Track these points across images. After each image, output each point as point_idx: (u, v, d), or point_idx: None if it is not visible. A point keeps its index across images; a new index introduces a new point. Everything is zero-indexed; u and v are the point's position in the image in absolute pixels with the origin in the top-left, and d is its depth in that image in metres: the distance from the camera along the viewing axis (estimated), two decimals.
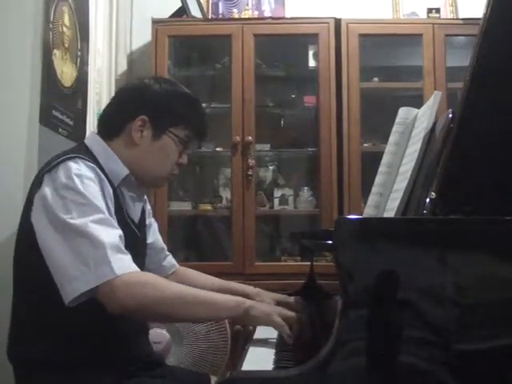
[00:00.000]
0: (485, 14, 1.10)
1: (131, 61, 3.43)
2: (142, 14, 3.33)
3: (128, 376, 1.42)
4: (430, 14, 3.25)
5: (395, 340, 1.00)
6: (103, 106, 2.97)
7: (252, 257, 3.03)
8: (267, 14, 3.40)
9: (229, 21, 3.28)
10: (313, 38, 3.14)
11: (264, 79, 3.20)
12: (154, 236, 1.75)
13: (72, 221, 1.28)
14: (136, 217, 1.55)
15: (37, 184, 1.37)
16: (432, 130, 1.33)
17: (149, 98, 1.51)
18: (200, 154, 3.21)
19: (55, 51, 2.40)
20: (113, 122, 1.52)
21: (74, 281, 1.24)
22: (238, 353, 1.85)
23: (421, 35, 3.07)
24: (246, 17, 3.34)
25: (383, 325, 1.01)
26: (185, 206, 3.21)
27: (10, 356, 1.43)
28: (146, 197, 1.65)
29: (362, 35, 3.08)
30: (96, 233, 1.27)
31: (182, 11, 3.20)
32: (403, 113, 1.54)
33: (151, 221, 1.74)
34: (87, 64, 2.83)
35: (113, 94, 3.10)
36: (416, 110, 1.52)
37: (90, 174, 1.36)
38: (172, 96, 1.53)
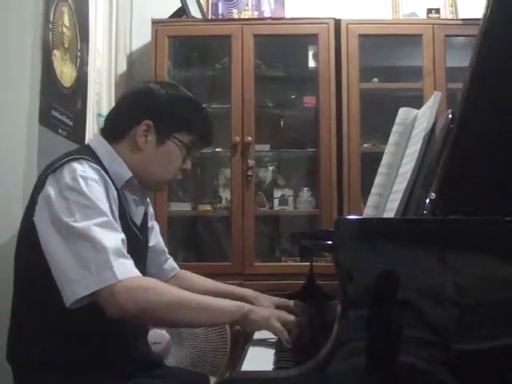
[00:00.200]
0: (484, 15, 1.10)
1: (131, 61, 3.43)
2: (142, 14, 3.33)
3: (127, 376, 1.42)
4: (429, 15, 3.25)
5: (395, 340, 1.00)
6: (103, 107, 3.01)
7: (251, 257, 3.03)
8: (267, 14, 3.40)
9: (228, 21, 3.28)
10: (312, 38, 3.14)
11: (264, 80, 3.20)
12: (156, 239, 1.75)
13: (75, 224, 1.27)
14: (138, 220, 1.55)
15: (41, 184, 1.37)
16: (432, 130, 1.33)
17: (154, 103, 1.50)
18: (200, 155, 3.20)
19: (55, 51, 2.39)
20: (118, 126, 1.52)
21: (74, 284, 1.24)
22: (238, 353, 1.85)
23: (420, 35, 3.07)
24: (246, 17, 3.33)
25: (383, 325, 1.01)
26: (184, 207, 3.21)
27: (10, 357, 1.43)
28: (148, 199, 1.65)
29: (361, 35, 3.08)
30: (99, 236, 1.26)
31: (182, 11, 3.20)
32: (403, 113, 1.54)
33: (153, 223, 1.74)
34: (87, 64, 2.83)
35: (113, 94, 3.13)
36: (416, 111, 1.52)
37: (95, 176, 1.36)
38: (177, 101, 1.53)
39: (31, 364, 1.39)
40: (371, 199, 1.53)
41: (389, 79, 3.27)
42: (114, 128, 1.52)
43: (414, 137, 1.42)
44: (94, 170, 1.37)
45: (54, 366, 1.36)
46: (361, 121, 3.05)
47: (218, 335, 2.39)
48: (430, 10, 3.26)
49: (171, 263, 1.80)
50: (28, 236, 1.37)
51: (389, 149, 1.53)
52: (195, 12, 3.23)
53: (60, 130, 2.44)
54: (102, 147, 1.49)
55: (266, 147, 3.25)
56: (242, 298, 1.52)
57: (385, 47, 3.27)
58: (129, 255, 1.30)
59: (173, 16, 3.24)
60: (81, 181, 1.32)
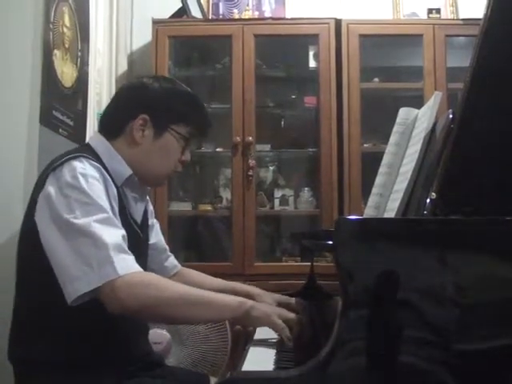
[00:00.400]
0: (485, 15, 1.10)
1: (131, 61, 3.43)
2: (143, 14, 3.33)
3: (128, 376, 1.43)
4: (430, 15, 3.25)
5: (395, 340, 1.00)
6: (103, 107, 2.98)
7: (252, 257, 3.03)
8: (267, 14, 3.40)
9: (229, 21, 3.28)
10: (313, 38, 3.14)
11: (264, 80, 3.21)
12: (157, 236, 1.75)
13: (75, 220, 1.28)
14: (138, 217, 1.56)
15: (41, 183, 1.37)
16: (432, 130, 1.33)
17: (148, 96, 1.51)
18: (200, 155, 3.21)
19: (55, 51, 2.40)
20: (114, 122, 1.52)
21: (76, 281, 1.24)
22: (239, 353, 1.85)
23: (421, 35, 3.07)
24: (247, 17, 3.33)
25: (383, 325, 1.01)
26: (185, 207, 3.21)
27: (11, 356, 1.43)
28: (147, 197, 1.65)
29: (362, 36, 3.08)
30: (99, 232, 1.26)
31: (183, 11, 3.20)
32: (403, 113, 1.54)
33: (153, 221, 1.74)
34: (87, 64, 2.83)
35: (113, 94, 3.12)
36: (416, 111, 1.51)
37: (95, 174, 1.36)
38: (171, 94, 1.53)
39: (32, 363, 1.39)
40: (372, 199, 1.53)
41: (389, 79, 3.27)
42: (110, 125, 1.53)
43: (415, 137, 1.42)
44: (94, 167, 1.38)
45: (55, 366, 1.37)
46: (361, 121, 3.05)
47: (219, 335, 2.39)
48: (430, 10, 3.26)
49: (172, 261, 1.80)
50: (29, 235, 1.37)
51: (389, 149, 1.53)
52: (196, 12, 3.23)
53: (61, 130, 2.44)
54: (101, 145, 1.49)
55: (267, 147, 3.25)
56: (245, 295, 1.52)
57: (385, 47, 3.27)
58: (129, 251, 1.30)
59: (173, 16, 3.24)
60: (81, 178, 1.33)
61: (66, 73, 2.52)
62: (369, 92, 3.13)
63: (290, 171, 3.39)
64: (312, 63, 3.24)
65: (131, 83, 1.59)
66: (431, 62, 3.05)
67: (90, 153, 1.43)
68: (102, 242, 1.25)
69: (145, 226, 1.61)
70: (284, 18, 3.28)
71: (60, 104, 2.43)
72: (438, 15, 3.25)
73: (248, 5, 3.42)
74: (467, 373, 1.00)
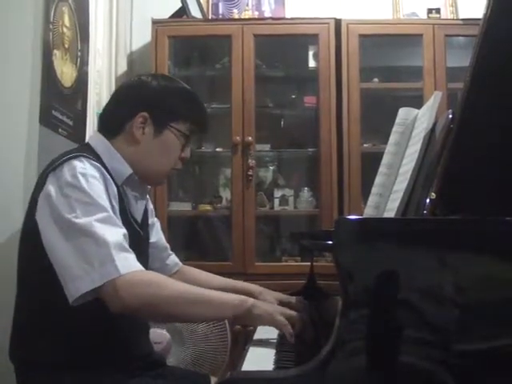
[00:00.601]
0: (485, 15, 1.10)
1: (131, 61, 3.43)
2: (142, 14, 3.33)
3: (129, 376, 1.43)
4: (430, 15, 3.25)
5: (395, 340, 1.00)
6: (103, 107, 3.00)
7: (252, 257, 3.03)
8: (267, 14, 3.40)
9: (229, 21, 3.28)
10: (313, 38, 3.14)
11: (264, 79, 3.21)
12: (157, 235, 1.75)
13: (76, 220, 1.27)
14: (139, 216, 1.56)
15: (41, 183, 1.37)
16: (432, 130, 1.33)
17: (148, 94, 1.51)
18: (200, 154, 3.21)
19: (55, 51, 2.40)
20: (113, 121, 1.52)
21: (78, 280, 1.24)
22: (238, 353, 1.85)
23: (421, 35, 3.07)
24: (246, 17, 3.33)
25: (383, 325, 1.01)
26: (185, 207, 3.21)
27: (12, 355, 1.44)
28: (148, 196, 1.66)
29: (362, 35, 3.08)
30: (100, 232, 1.26)
31: (182, 11, 3.20)
32: (403, 113, 1.54)
33: (154, 220, 1.74)
34: (87, 64, 2.83)
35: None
36: (416, 111, 1.52)
37: (95, 173, 1.36)
38: (170, 91, 1.53)
39: (33, 363, 1.39)
40: (371, 199, 1.53)
41: (389, 79, 3.27)
42: (110, 123, 1.53)
43: (415, 137, 1.42)
44: (94, 167, 1.38)
45: (57, 365, 1.37)
46: (361, 121, 3.05)
47: (219, 335, 2.39)
48: (430, 10, 3.26)
49: (174, 259, 1.81)
50: (30, 235, 1.37)
51: (389, 149, 1.53)
52: (195, 12, 3.23)
53: (60, 130, 2.44)
54: (101, 144, 1.49)
55: (267, 147, 3.26)
56: (246, 293, 1.52)
57: (385, 47, 3.27)
58: (131, 249, 1.30)
59: (173, 16, 3.24)
60: (81, 178, 1.33)
61: (66, 73, 2.52)
62: (368, 92, 3.13)
63: (289, 171, 3.39)
64: (312, 63, 3.24)
65: (130, 81, 1.59)
66: (431, 62, 3.05)
67: (89, 152, 1.43)
68: (103, 241, 1.25)
69: (145, 224, 1.62)
70: (284, 18, 3.28)
71: (60, 104, 2.43)
72: (437, 15, 3.25)
73: (248, 5, 3.42)
74: (467, 373, 1.00)
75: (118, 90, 1.60)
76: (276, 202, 3.22)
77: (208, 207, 3.20)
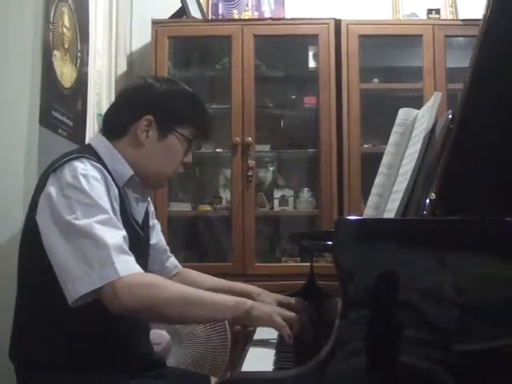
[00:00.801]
0: (485, 15, 1.10)
1: (131, 62, 3.43)
2: (142, 14, 3.33)
3: (129, 376, 1.43)
4: (429, 15, 3.25)
5: (395, 340, 1.00)
6: (103, 107, 3.01)
7: (252, 258, 3.03)
8: (267, 14, 3.40)
9: (229, 21, 3.28)
10: (313, 38, 3.15)
11: (264, 80, 3.21)
12: (158, 237, 1.75)
13: (77, 221, 1.27)
14: (140, 218, 1.56)
15: (42, 183, 1.37)
16: (432, 130, 1.33)
17: (153, 97, 1.51)
18: (200, 155, 3.20)
19: (55, 52, 2.40)
20: (117, 123, 1.52)
21: (77, 281, 1.25)
22: (238, 353, 1.85)
23: (421, 36, 3.08)
24: (246, 17, 3.33)
25: (383, 325, 1.01)
26: (185, 207, 3.21)
27: (12, 356, 1.44)
28: (149, 198, 1.66)
29: (361, 36, 3.09)
30: (100, 234, 1.26)
31: (182, 12, 3.20)
32: (403, 114, 1.54)
33: (154, 222, 1.74)
34: (87, 65, 2.83)
35: (113, 94, 3.13)
36: (416, 111, 1.52)
37: (96, 174, 1.36)
38: (176, 95, 1.53)
39: (33, 363, 1.39)
40: (371, 199, 1.53)
41: (389, 79, 3.27)
42: (113, 125, 1.52)
43: (414, 137, 1.42)
44: (95, 168, 1.38)
45: (57, 366, 1.37)
46: (361, 121, 3.05)
47: (219, 335, 2.39)
48: (430, 11, 3.26)
49: (173, 261, 1.81)
50: (31, 236, 1.37)
51: (389, 149, 1.53)
52: (195, 12, 3.23)
53: (60, 131, 2.44)
54: (102, 146, 1.49)
55: (266, 147, 3.26)
56: (245, 294, 1.52)
57: (385, 47, 3.27)
58: (130, 252, 1.30)
59: (173, 16, 3.24)
60: (82, 179, 1.32)
61: (66, 73, 2.52)
62: (368, 92, 3.13)
63: (289, 171, 3.39)
64: (311, 63, 3.24)
65: (136, 84, 1.57)
66: (431, 63, 3.05)
67: (91, 153, 1.43)
68: (103, 243, 1.25)
69: (146, 226, 1.62)
70: (283, 19, 3.28)
71: (59, 104, 2.43)
72: (437, 16, 3.25)
73: (247, 5, 3.42)
74: (467, 373, 1.00)
75: (123, 91, 1.59)
76: (276, 202, 3.22)
77: (208, 208, 3.20)
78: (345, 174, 3.04)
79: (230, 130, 3.06)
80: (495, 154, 1.16)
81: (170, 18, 3.24)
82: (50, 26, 2.33)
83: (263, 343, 1.43)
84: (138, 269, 1.29)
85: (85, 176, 1.33)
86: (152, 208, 1.71)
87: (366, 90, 3.12)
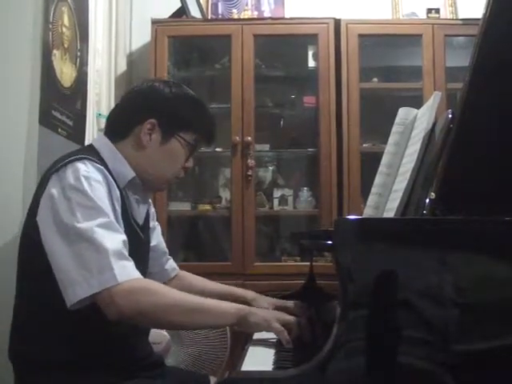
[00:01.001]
0: (484, 15, 1.10)
1: (131, 61, 3.43)
2: (142, 14, 3.33)
3: (128, 376, 1.42)
4: (429, 15, 3.25)
5: (394, 340, 1.00)
6: (103, 107, 3.01)
7: (251, 257, 3.03)
8: (267, 14, 3.40)
9: (228, 21, 3.28)
10: (312, 38, 3.14)
11: (263, 79, 3.20)
12: (158, 239, 1.75)
13: (77, 224, 1.27)
14: (141, 219, 1.55)
15: (44, 184, 1.37)
16: (432, 130, 1.33)
17: (159, 101, 1.50)
18: (200, 155, 3.20)
19: (55, 51, 2.39)
20: (121, 124, 1.51)
21: (76, 285, 1.24)
22: (238, 353, 1.85)
23: (420, 35, 3.07)
24: (246, 17, 3.34)
25: (382, 325, 1.01)
26: (184, 207, 3.21)
27: (11, 355, 1.43)
28: (150, 200, 1.65)
29: (361, 35, 3.08)
30: (100, 238, 1.26)
31: (182, 11, 3.20)
32: (403, 113, 1.54)
33: (155, 224, 1.74)
34: (87, 64, 2.83)
35: (112, 94, 3.13)
36: (415, 111, 1.52)
37: (98, 177, 1.36)
38: (182, 100, 1.53)
39: (33, 363, 1.39)
40: (371, 199, 1.53)
41: (388, 79, 3.27)
42: (117, 127, 1.52)
43: (414, 137, 1.42)
44: (97, 170, 1.37)
45: (56, 366, 1.36)
46: (360, 121, 3.05)
47: (218, 335, 2.39)
48: (429, 10, 3.26)
49: (172, 264, 1.81)
50: (31, 235, 1.37)
51: (389, 149, 1.53)
52: (195, 12, 3.23)
53: (60, 130, 2.44)
54: (105, 147, 1.48)
55: (266, 147, 3.25)
56: (241, 299, 1.52)
57: (384, 47, 3.27)
58: (130, 257, 1.30)
59: (173, 16, 3.24)
60: (84, 181, 1.32)
61: (65, 73, 2.52)
62: (368, 92, 3.13)
63: (289, 171, 3.39)
64: (311, 63, 3.24)
65: (142, 87, 1.56)
66: (430, 62, 3.05)
67: (93, 154, 1.43)
68: (103, 248, 1.25)
69: (146, 228, 1.61)
70: (283, 18, 3.28)
71: (59, 104, 2.43)
72: (437, 15, 3.25)
73: (247, 5, 3.42)
74: (467, 373, 1.00)
75: (129, 94, 1.58)
76: (275, 201, 3.22)
77: (207, 207, 3.20)
78: (344, 174, 3.03)
79: (230, 130, 3.06)
80: (495, 154, 1.16)
81: (170, 17, 3.23)
82: (50, 26, 2.33)
83: (263, 343, 1.43)
84: (136, 275, 1.29)
85: (87, 178, 1.33)
86: (153, 209, 1.71)
87: (366, 89, 3.11)
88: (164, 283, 1.65)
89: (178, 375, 1.68)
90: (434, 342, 1.00)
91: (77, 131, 2.63)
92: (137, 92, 1.56)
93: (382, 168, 1.53)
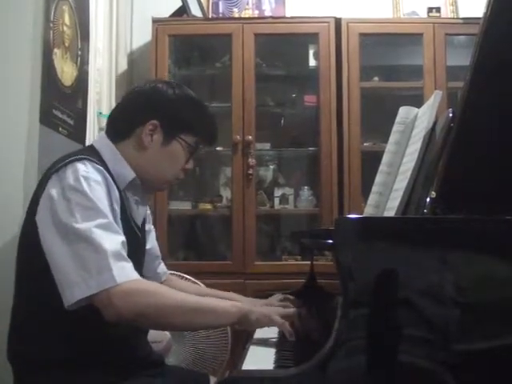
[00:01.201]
0: (485, 14, 1.10)
1: (131, 60, 3.43)
2: (143, 13, 3.33)
3: (128, 375, 1.42)
4: (430, 14, 3.25)
5: (395, 339, 1.00)
6: (103, 106, 3.01)
7: (252, 256, 3.02)
8: (267, 13, 3.40)
9: (229, 20, 3.28)
10: (313, 37, 3.14)
11: (264, 78, 3.20)
12: (152, 242, 1.75)
13: (76, 225, 1.27)
14: (139, 221, 1.55)
15: (43, 184, 1.37)
16: (432, 129, 1.33)
17: (161, 102, 1.50)
18: (200, 154, 3.20)
19: (55, 50, 2.39)
20: (123, 125, 1.51)
21: (74, 286, 1.24)
22: (239, 352, 1.85)
23: (421, 34, 3.07)
24: (247, 16, 3.34)
25: (383, 324, 1.01)
26: (185, 206, 3.21)
27: (10, 355, 1.43)
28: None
29: (362, 34, 3.08)
30: (99, 239, 1.26)
31: (183, 10, 3.20)
32: (403, 112, 1.54)
33: (151, 227, 1.74)
34: (87, 63, 2.83)
35: (113, 93, 3.13)
36: (416, 110, 1.52)
37: (98, 177, 1.36)
38: (185, 103, 1.52)
39: (31, 363, 1.39)
40: (372, 198, 1.53)
41: (389, 78, 3.27)
42: (118, 127, 1.52)
43: (415, 136, 1.42)
44: (97, 170, 1.37)
45: (55, 365, 1.36)
46: (361, 120, 3.05)
47: (219, 334, 2.39)
48: (430, 9, 3.26)
49: (163, 267, 1.80)
50: (30, 235, 1.37)
51: (389, 148, 1.53)
52: (196, 11, 3.23)
53: (61, 129, 2.44)
54: (106, 148, 1.48)
55: (267, 146, 3.25)
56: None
57: (385, 46, 3.27)
58: (128, 258, 1.30)
59: (173, 15, 3.24)
60: (83, 181, 1.32)
61: (66, 72, 2.52)
62: (369, 91, 3.13)
63: (289, 170, 3.38)
64: (312, 62, 3.24)
65: (143, 87, 1.55)
66: (431, 61, 3.05)
67: (93, 155, 1.43)
68: (102, 249, 1.25)
69: (143, 230, 1.61)
70: (284, 17, 3.28)
71: (60, 103, 2.43)
72: (438, 14, 3.24)
73: (248, 3, 3.42)
74: (467, 372, 1.00)
75: (131, 94, 1.57)
76: (276, 200, 3.22)
77: (208, 206, 3.20)
78: (345, 173, 3.03)
79: (231, 129, 3.06)
80: (496, 153, 1.16)
81: (171, 16, 3.23)
82: (51, 25, 2.33)
83: (263, 342, 1.43)
84: (135, 276, 1.29)
85: (86, 178, 1.33)
86: (149, 211, 1.71)
87: (367, 88, 3.11)
88: None
89: (178, 374, 1.68)
90: (434, 340, 1.00)
91: (77, 130, 2.63)
92: (139, 92, 1.55)
93: (382, 167, 1.53)
